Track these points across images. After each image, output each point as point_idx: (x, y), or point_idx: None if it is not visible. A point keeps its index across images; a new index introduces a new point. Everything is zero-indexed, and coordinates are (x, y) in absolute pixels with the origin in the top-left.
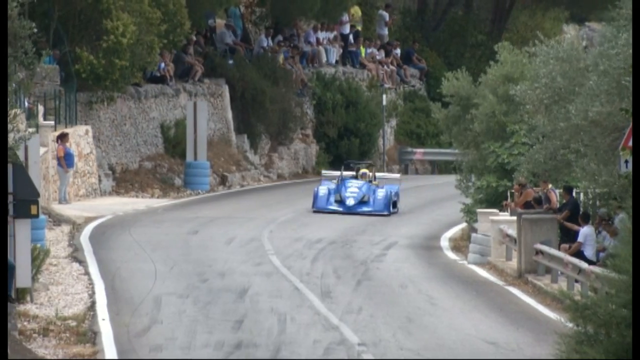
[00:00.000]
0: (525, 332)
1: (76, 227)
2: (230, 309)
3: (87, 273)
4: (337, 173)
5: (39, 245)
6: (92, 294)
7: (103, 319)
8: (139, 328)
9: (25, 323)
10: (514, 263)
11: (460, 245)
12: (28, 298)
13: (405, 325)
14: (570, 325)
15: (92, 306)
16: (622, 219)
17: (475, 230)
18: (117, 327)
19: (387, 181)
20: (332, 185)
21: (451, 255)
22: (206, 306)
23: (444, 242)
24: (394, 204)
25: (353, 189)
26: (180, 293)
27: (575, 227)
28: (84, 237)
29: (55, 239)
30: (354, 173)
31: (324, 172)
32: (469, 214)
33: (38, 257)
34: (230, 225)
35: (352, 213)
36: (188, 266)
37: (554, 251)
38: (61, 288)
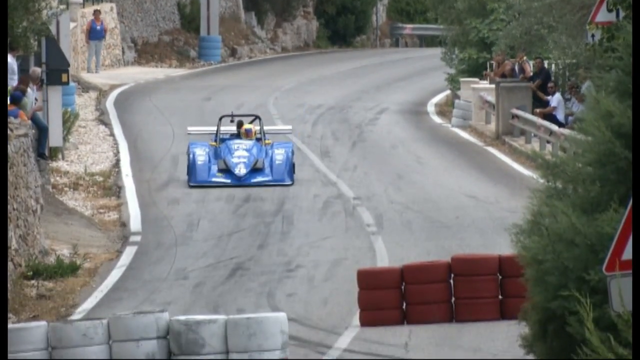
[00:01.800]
0: (502, 187)
1: (102, 94)
2: None
3: (112, 134)
4: (209, 129)
5: (69, 109)
6: (116, 153)
7: (127, 175)
8: (159, 183)
9: (58, 178)
10: (492, 126)
11: (444, 110)
12: (60, 156)
13: (395, 181)
14: (542, 181)
15: (116, 164)
16: (589, 87)
17: (458, 97)
18: (139, 182)
19: (277, 137)
20: (207, 148)
21: (436, 119)
22: None
23: (430, 108)
24: (293, 168)
25: (241, 153)
26: None
27: (545, 97)
28: (109, 103)
29: (84, 104)
30: (233, 129)
31: (189, 128)
32: (453, 82)
33: (68, 120)
34: (239, 92)
35: (244, 185)
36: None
37: (528, 115)
38: (89, 147)
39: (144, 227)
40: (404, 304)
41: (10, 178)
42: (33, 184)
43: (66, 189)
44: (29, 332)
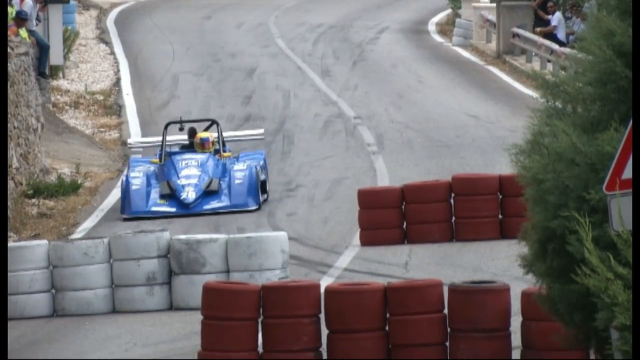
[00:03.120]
0: (503, 106)
1: (103, 12)
2: (240, 86)
3: (112, 53)
4: (154, 140)
5: (69, 27)
6: (117, 72)
7: (127, 94)
8: (159, 102)
9: (58, 97)
10: (493, 45)
11: (445, 29)
12: (60, 74)
13: (396, 100)
14: (542, 100)
15: (117, 82)
16: (591, 5)
17: (459, 16)
18: (139, 101)
19: (246, 145)
20: (150, 167)
21: (437, 38)
22: (219, 83)
23: (431, 27)
24: (263, 186)
25: (190, 171)
26: (195, 71)
27: (545, 16)
28: (110, 21)
29: (84, 22)
30: (185, 139)
31: (130, 141)
32: (454, 1)
33: (69, 38)
34: (240, 11)
35: (194, 214)
36: (202, 48)
37: (528, 34)
38: (90, 66)
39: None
40: (404, 223)
41: (11, 96)
42: (34, 102)
43: (67, 107)
44: (30, 251)
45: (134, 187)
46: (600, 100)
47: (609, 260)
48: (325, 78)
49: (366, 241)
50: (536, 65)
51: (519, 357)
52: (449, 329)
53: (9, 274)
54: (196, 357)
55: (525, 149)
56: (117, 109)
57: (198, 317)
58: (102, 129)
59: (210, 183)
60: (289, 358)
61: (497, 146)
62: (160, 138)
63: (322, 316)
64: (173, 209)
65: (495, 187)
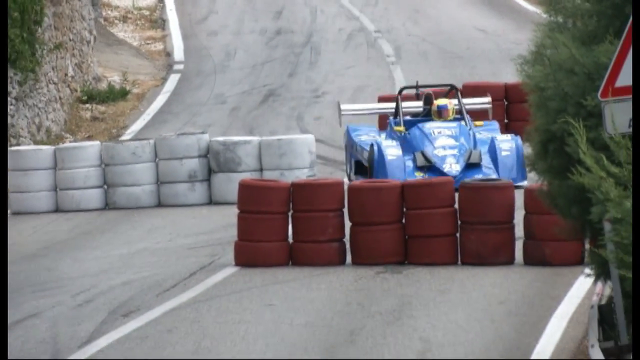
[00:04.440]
0: (509, 21)
1: None
2: (271, 2)
3: None
4: (370, 107)
5: None
6: None
7: (170, 9)
8: (199, 17)
9: (109, 12)
10: None
11: None
12: None
13: (413, 15)
14: (545, 16)
15: None
16: None
17: None
18: (181, 16)
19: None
20: (393, 134)
21: None
22: (252, 0)
23: None
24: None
25: (445, 141)
26: None
27: None
28: None
29: None
30: (419, 106)
31: (343, 107)
32: None
33: None
34: None
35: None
36: None
37: None
38: None
39: (186, 57)
40: None
41: (67, 11)
42: (87, 16)
43: (116, 21)
44: (84, 151)
45: (389, 158)
46: (597, 16)
47: (602, 160)
48: None
49: None
50: None
51: (521, 247)
52: (459, 222)
53: (65, 171)
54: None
55: (529, 59)
56: (161, 23)
57: (234, 210)
58: (147, 41)
59: (470, 154)
60: (315, 247)
61: (503, 57)
62: (373, 105)
63: (345, 210)
64: None
65: (502, 94)
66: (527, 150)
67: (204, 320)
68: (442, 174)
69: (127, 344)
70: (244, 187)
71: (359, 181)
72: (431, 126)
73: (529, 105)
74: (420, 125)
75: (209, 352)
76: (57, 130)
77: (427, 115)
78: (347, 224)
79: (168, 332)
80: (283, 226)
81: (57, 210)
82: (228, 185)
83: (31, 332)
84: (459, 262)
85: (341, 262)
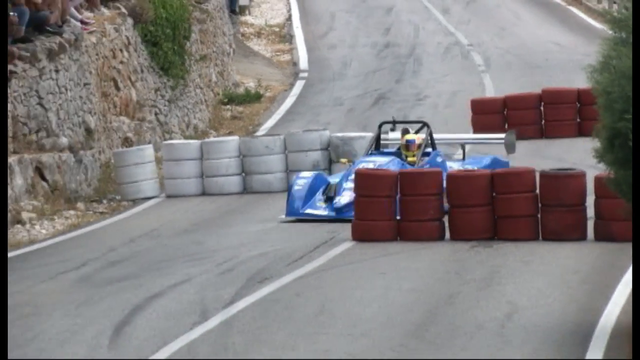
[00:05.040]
0: (580, 37)
1: None
2: (381, 20)
3: None
4: (390, 137)
5: None
6: (289, 10)
7: (297, 27)
8: (320, 33)
9: (245, 29)
10: None
11: None
12: (247, 12)
13: (499, 32)
14: (610, 32)
15: (289, 18)
16: None
17: None
18: (306, 32)
19: (481, 148)
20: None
21: None
22: (365, 19)
23: None
24: None
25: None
26: (347, 10)
27: None
28: None
29: None
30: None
31: (338, 135)
32: None
33: None
34: None
35: (342, 220)
36: None
37: None
38: (268, 5)
39: (310, 66)
40: (506, 125)
41: (210, 28)
42: (227, 32)
43: (252, 37)
44: (226, 144)
45: (295, 188)
46: None
47: None
48: (445, 15)
49: None
50: (605, 5)
51: (592, 226)
52: (540, 205)
53: (210, 161)
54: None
55: (598, 68)
56: (289, 38)
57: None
58: (277, 53)
59: None
60: (419, 225)
61: (575, 67)
62: (392, 135)
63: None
64: (326, 213)
65: (575, 98)
66: (596, 144)
67: (326, 286)
68: (334, 205)
69: (262, 306)
70: (360, 175)
71: (455, 170)
72: (367, 159)
73: (597, 107)
74: (363, 157)
75: (330, 314)
76: (203, 127)
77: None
78: (446, 206)
79: (296, 295)
80: (391, 208)
81: (203, 193)
82: None
83: (183, 295)
84: (540, 238)
85: (441, 237)
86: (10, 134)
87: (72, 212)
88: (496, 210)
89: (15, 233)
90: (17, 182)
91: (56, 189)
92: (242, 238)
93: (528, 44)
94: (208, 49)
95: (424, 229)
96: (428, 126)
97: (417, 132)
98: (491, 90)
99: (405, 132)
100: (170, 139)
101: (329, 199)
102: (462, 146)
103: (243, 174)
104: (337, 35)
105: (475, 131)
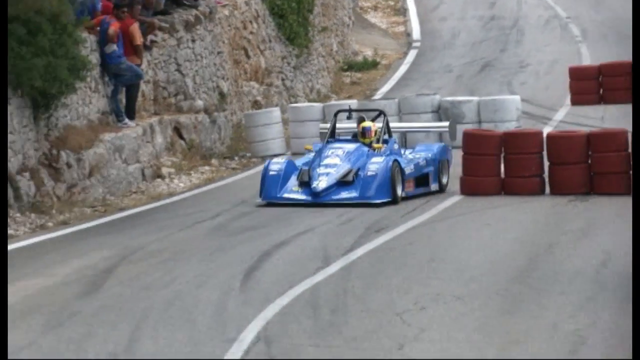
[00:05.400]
0: None
1: None
2: None
3: None
4: (341, 126)
5: None
6: None
7: (410, 1)
8: (432, 6)
9: (363, 2)
10: None
11: None
12: None
13: (595, 6)
14: None
15: None
16: None
17: None
18: (418, 5)
19: (428, 137)
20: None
21: None
22: None
23: None
24: (424, 180)
25: (331, 160)
26: None
27: None
28: None
29: None
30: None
31: (321, 125)
32: None
33: None
34: None
35: (321, 204)
36: None
37: None
38: None
39: (422, 36)
40: (601, 90)
41: (332, 2)
42: (347, 6)
43: (369, 10)
44: (344, 106)
45: (270, 173)
46: None
47: None
48: None
49: (575, 102)
50: None
51: None
52: (631, 162)
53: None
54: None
55: None
56: (403, 11)
57: (460, 153)
58: (392, 25)
59: (347, 173)
60: (522, 181)
61: None
62: (344, 125)
63: (544, 153)
64: (303, 197)
65: None
66: None
67: (437, 235)
68: (312, 190)
69: (378, 253)
70: (468, 135)
71: (555, 130)
72: (332, 146)
73: None
74: (327, 144)
75: (441, 260)
76: (325, 91)
77: (356, 136)
78: (546, 164)
79: (410, 244)
80: (497, 165)
81: None
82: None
83: (307, 243)
84: (631, 193)
85: (541, 192)
86: (151, 97)
87: (207, 167)
88: (592, 167)
89: (155, 186)
90: (157, 140)
91: (192, 147)
92: None
93: (622, 16)
94: (329, 21)
95: (526, 184)
96: (384, 114)
97: (373, 120)
98: (587, 59)
99: (361, 120)
100: (295, 102)
101: (303, 184)
102: (404, 135)
103: None
104: (446, 9)
105: (573, 96)
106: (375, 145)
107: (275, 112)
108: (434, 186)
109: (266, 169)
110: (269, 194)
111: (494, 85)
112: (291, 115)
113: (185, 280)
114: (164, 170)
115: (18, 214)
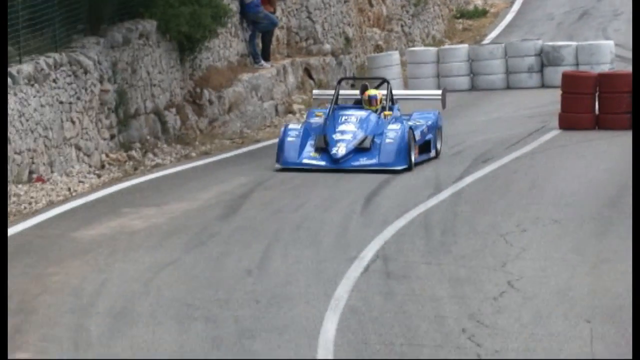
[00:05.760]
0: None
1: None
2: None
3: None
4: (351, 93)
5: None
6: None
7: None
8: None
9: None
10: None
11: None
12: None
13: None
14: None
15: None
16: None
17: None
18: None
19: (421, 105)
20: (316, 119)
21: None
22: None
23: None
24: (426, 146)
25: (347, 127)
26: None
27: None
28: None
29: None
30: (357, 94)
31: (315, 92)
32: None
33: None
34: None
35: (342, 170)
36: None
37: None
38: None
39: None
40: None
41: None
42: None
43: None
44: (458, 51)
45: (288, 139)
46: None
47: None
48: None
49: None
50: None
51: None
52: None
53: (444, 64)
54: (557, 117)
55: None
56: None
57: (558, 92)
58: None
59: (364, 140)
60: (614, 117)
61: None
62: (341, 91)
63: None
64: (323, 163)
65: None
66: None
67: (537, 165)
68: (331, 156)
69: (484, 181)
70: (566, 76)
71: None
72: (344, 113)
73: None
74: (337, 111)
75: (540, 188)
76: (439, 37)
77: (359, 103)
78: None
79: (513, 173)
80: (592, 103)
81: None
82: (554, 75)
83: (422, 172)
84: None
85: (630, 127)
86: (285, 41)
87: None
88: None
89: (287, 121)
90: (289, 80)
91: (320, 86)
92: (470, 126)
93: None
94: None
95: (618, 120)
96: (388, 82)
97: (377, 87)
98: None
99: (364, 87)
100: (413, 46)
101: (319, 150)
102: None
103: (471, 75)
104: None
105: None
106: (385, 112)
107: (395, 55)
108: (432, 153)
109: (284, 134)
110: (288, 160)
111: (591, 32)
112: (409, 57)
113: (312, 205)
114: (295, 107)
115: (165, 145)
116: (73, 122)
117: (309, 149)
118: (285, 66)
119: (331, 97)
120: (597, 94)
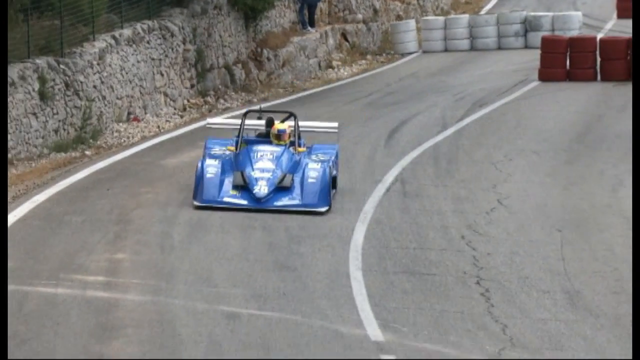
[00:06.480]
0: None
1: None
2: None
3: None
4: (233, 122)
5: None
6: None
7: None
8: None
9: None
10: None
11: None
12: None
13: None
14: None
15: None
16: None
17: None
18: None
19: (318, 137)
20: (225, 152)
21: None
22: None
23: None
24: (333, 182)
25: (264, 164)
26: None
27: None
28: None
29: None
30: (263, 125)
31: (209, 120)
32: None
33: None
34: None
35: (264, 210)
36: None
37: None
38: None
39: None
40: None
41: None
42: None
43: None
44: (460, 20)
45: (207, 176)
46: None
47: None
48: None
49: (620, 16)
50: None
51: None
52: None
53: (450, 30)
54: (537, 73)
55: None
56: None
57: (538, 51)
58: None
59: (283, 178)
60: (581, 72)
61: None
62: (238, 121)
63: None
64: (244, 202)
65: None
66: None
67: (521, 109)
68: (253, 195)
69: (481, 122)
70: (545, 39)
71: (605, 36)
72: (257, 149)
73: None
74: (250, 146)
75: (524, 126)
76: (447, 8)
77: (267, 136)
78: (598, 59)
79: (502, 115)
80: (564, 59)
81: (445, 50)
82: (535, 38)
83: (432, 114)
84: None
85: (594, 79)
86: (326, 12)
87: (363, 61)
88: (629, 62)
89: (328, 74)
90: (329, 42)
91: (354, 47)
92: (470, 78)
93: None
94: None
95: (584, 73)
96: (295, 116)
97: (282, 121)
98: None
99: (270, 121)
100: (426, 16)
101: (238, 187)
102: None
103: (470, 38)
104: None
105: (619, 12)
106: (299, 149)
107: (412, 23)
108: (335, 189)
109: (202, 170)
110: (209, 198)
111: (564, 4)
112: (423, 25)
113: (347, 139)
114: (334, 63)
115: (233, 93)
116: (162, 75)
117: (228, 187)
118: (326, 31)
119: (231, 127)
120: (568, 54)
